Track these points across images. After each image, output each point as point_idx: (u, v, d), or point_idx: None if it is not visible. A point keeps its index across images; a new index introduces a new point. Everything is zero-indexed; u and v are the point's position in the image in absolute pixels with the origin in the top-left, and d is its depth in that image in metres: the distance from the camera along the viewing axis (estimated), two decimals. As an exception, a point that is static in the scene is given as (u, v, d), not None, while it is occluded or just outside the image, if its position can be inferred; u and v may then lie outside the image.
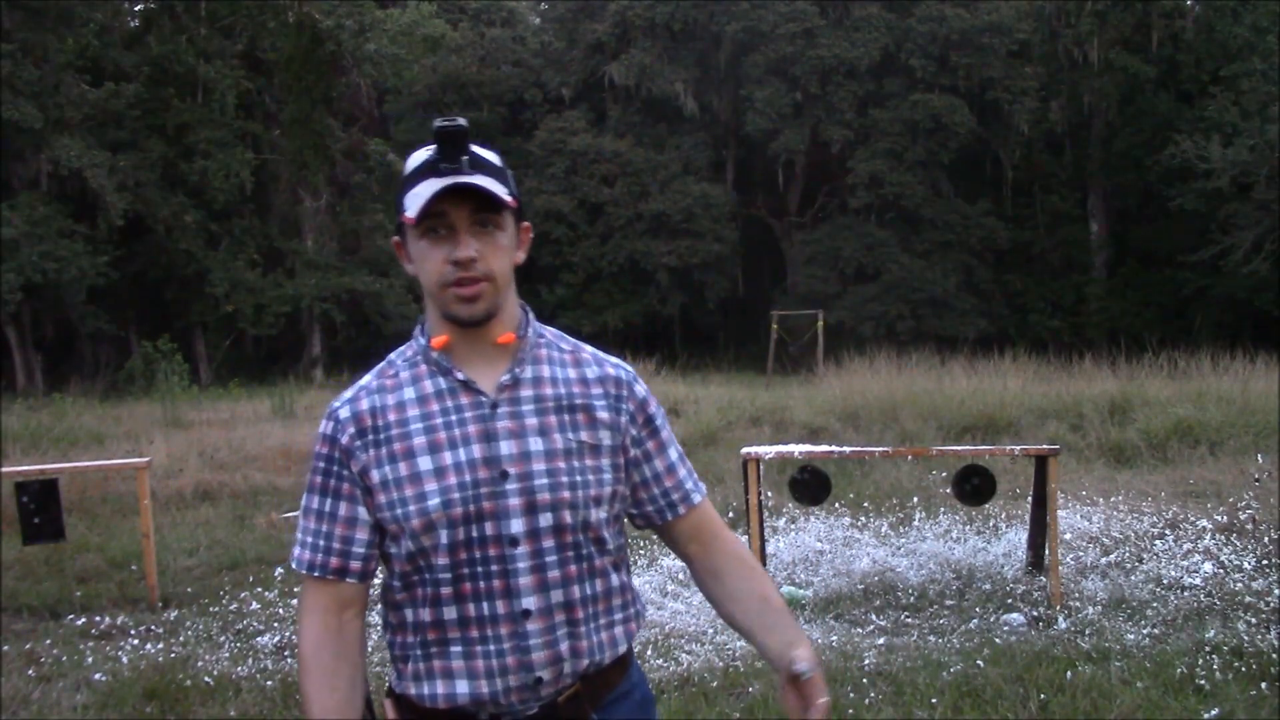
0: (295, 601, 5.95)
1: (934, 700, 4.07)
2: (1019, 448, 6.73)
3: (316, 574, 1.62)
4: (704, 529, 1.78)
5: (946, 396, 12.24)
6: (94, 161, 23.07)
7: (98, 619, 5.76)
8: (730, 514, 7.25)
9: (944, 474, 8.33)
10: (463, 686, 1.58)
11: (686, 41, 30.77)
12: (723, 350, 29.62)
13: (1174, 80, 28.47)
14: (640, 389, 1.74)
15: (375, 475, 1.59)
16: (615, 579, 1.68)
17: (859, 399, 12.65)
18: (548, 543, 1.59)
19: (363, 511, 1.61)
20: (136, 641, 5.30)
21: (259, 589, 6.21)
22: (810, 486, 6.09)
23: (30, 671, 4.82)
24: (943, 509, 7.57)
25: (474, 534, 1.56)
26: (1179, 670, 4.27)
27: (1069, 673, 4.22)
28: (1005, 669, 4.34)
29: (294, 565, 1.65)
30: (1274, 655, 4.37)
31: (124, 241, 24.73)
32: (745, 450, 6.08)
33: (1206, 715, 3.87)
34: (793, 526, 7.33)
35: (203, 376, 25.67)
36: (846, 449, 7.25)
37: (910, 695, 4.13)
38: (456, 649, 1.58)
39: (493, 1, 33.51)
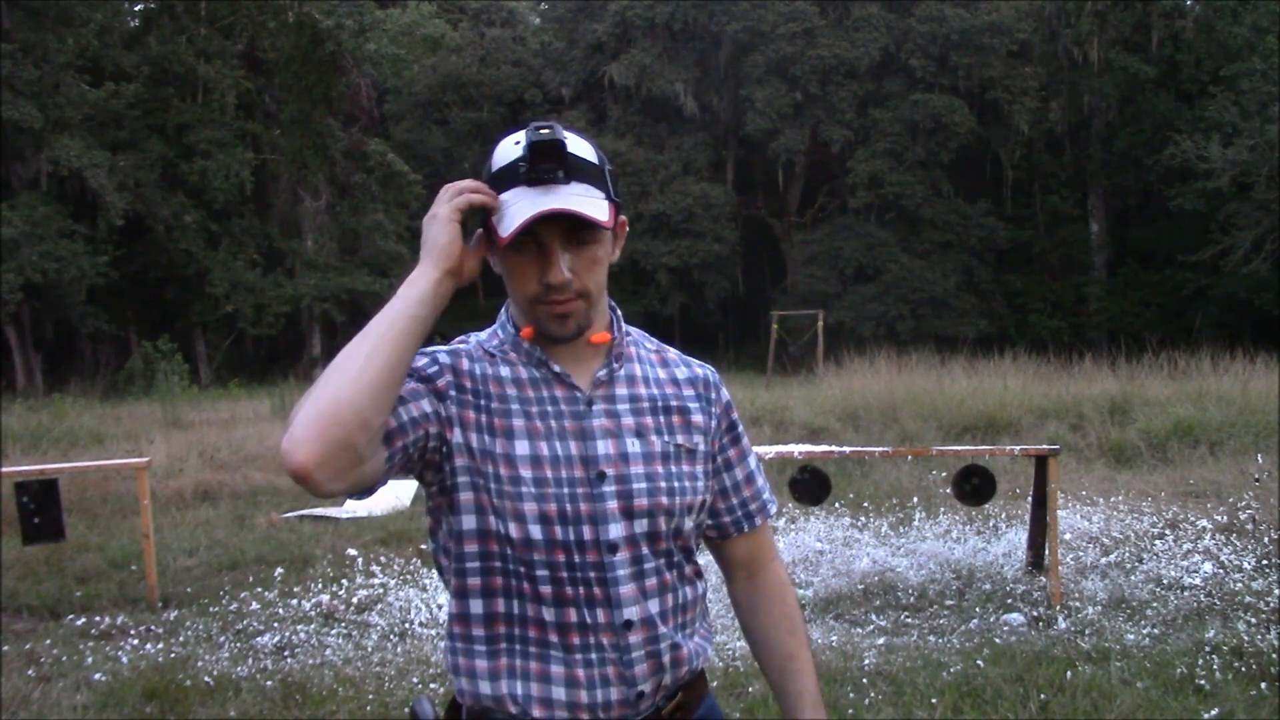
0: (295, 602, 5.95)
1: (934, 700, 4.06)
2: (1019, 448, 6.74)
3: None
4: (759, 553, 1.70)
5: (946, 396, 12.24)
6: (94, 161, 23.09)
7: (98, 619, 5.76)
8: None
9: (944, 474, 8.34)
10: (560, 693, 1.48)
11: (686, 41, 30.77)
12: (723, 350, 29.65)
13: (1174, 80, 28.48)
14: (725, 392, 1.66)
15: (472, 437, 1.46)
16: (700, 586, 1.61)
17: (859, 399, 12.65)
18: (645, 550, 1.50)
19: (427, 405, 1.44)
20: (136, 641, 5.30)
21: (259, 589, 6.20)
22: (810, 486, 6.09)
23: (30, 671, 4.82)
24: (943, 509, 7.58)
25: (571, 536, 1.46)
26: (1179, 670, 4.27)
27: (1069, 673, 4.23)
28: (1005, 669, 4.34)
29: None
30: (1274, 655, 4.37)
31: (124, 241, 24.75)
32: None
33: (1206, 715, 3.87)
34: (793, 526, 7.33)
35: (203, 376, 25.69)
36: (846, 449, 7.27)
37: (910, 695, 4.13)
38: (557, 654, 1.48)
39: (493, 1, 33.52)
